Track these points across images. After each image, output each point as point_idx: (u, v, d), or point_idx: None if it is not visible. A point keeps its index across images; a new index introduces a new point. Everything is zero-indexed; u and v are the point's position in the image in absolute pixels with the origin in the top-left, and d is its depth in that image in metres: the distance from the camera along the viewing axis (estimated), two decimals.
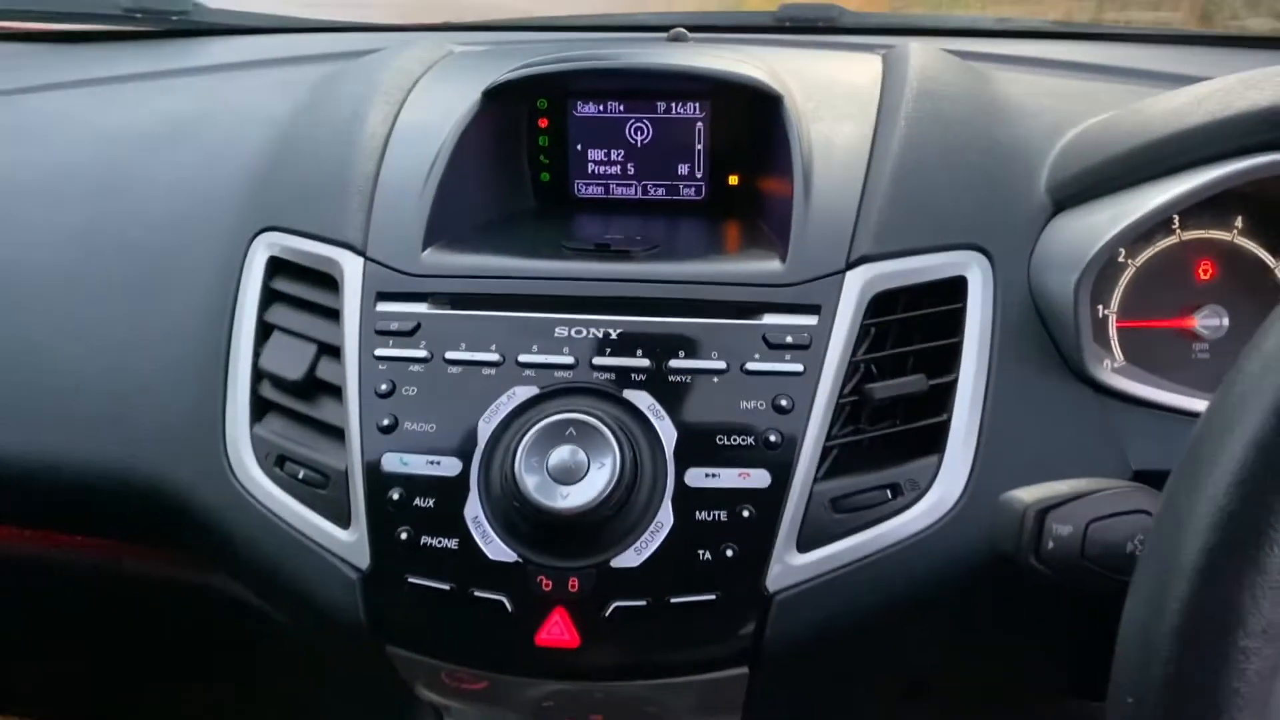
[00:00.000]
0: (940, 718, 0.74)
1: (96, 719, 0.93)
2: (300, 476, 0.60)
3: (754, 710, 0.60)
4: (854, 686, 0.63)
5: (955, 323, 0.59)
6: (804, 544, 0.55)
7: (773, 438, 0.55)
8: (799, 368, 0.57)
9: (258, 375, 0.63)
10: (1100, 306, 0.61)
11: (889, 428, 0.58)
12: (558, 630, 0.54)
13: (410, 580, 0.55)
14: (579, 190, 0.72)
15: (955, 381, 0.58)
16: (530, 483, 0.53)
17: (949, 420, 0.57)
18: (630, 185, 0.72)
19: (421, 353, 0.59)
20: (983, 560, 0.56)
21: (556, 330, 0.58)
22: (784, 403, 0.56)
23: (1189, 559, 0.33)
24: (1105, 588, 0.45)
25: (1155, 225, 0.59)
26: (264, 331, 0.64)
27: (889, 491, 0.56)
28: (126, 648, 0.80)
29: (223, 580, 0.67)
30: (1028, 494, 0.47)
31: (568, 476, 0.54)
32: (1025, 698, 0.73)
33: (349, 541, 0.57)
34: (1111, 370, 0.60)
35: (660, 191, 0.71)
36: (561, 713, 0.64)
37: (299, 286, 0.64)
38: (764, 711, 0.61)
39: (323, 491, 0.59)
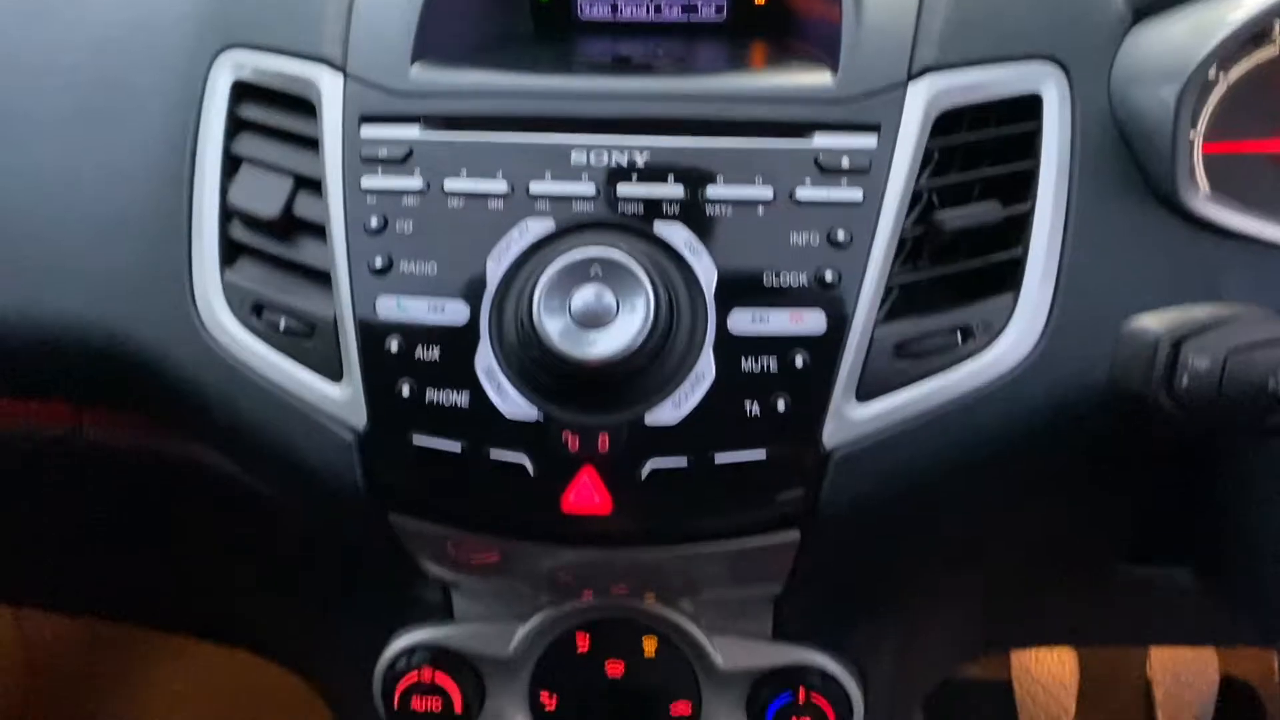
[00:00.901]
0: (991, 588, 0.68)
1: (76, 606, 0.87)
2: (281, 326, 0.52)
3: (799, 580, 0.54)
4: (908, 552, 0.57)
5: (1030, 145, 0.52)
6: (864, 394, 0.48)
7: (828, 276, 0.48)
8: (857, 195, 0.49)
9: (227, 214, 0.55)
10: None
11: (958, 264, 0.50)
12: (586, 493, 0.47)
13: (415, 440, 0.48)
14: (583, 10, 0.63)
15: (1032, 211, 0.51)
16: (553, 329, 0.46)
17: (1025, 254, 0.50)
18: (641, 3, 0.63)
19: (416, 182, 0.51)
20: (1062, 410, 0.49)
21: (574, 154, 0.50)
22: (840, 236, 0.49)
23: None
24: (1235, 430, 0.38)
25: (1254, 33, 0.51)
26: (232, 165, 0.55)
27: (959, 335, 0.49)
28: (99, 529, 0.73)
29: (201, 450, 0.60)
30: (1157, 320, 0.40)
31: (595, 321, 0.46)
32: (1080, 565, 0.68)
33: (341, 398, 0.50)
34: (1202, 198, 0.52)
35: (676, 10, 0.62)
36: (581, 586, 0.58)
37: (270, 113, 0.55)
38: (809, 581, 0.55)
39: (308, 342, 0.51)
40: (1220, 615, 0.77)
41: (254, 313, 0.53)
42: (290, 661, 0.78)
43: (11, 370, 0.59)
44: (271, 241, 0.54)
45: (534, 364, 0.47)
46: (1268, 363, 0.38)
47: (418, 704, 0.60)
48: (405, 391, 0.49)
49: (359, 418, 0.50)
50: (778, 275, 0.48)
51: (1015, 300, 0.50)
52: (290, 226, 0.53)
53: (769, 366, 0.48)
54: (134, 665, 1.35)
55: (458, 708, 0.60)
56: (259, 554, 0.68)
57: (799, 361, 0.48)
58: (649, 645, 0.60)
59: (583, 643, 0.60)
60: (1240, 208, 0.53)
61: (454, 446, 0.48)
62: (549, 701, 0.61)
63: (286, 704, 1.28)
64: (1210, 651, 1.13)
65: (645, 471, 0.47)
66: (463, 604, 0.61)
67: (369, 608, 0.64)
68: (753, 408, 0.47)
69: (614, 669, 0.60)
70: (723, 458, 0.47)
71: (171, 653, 1.35)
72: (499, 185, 0.50)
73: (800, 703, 0.59)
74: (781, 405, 0.47)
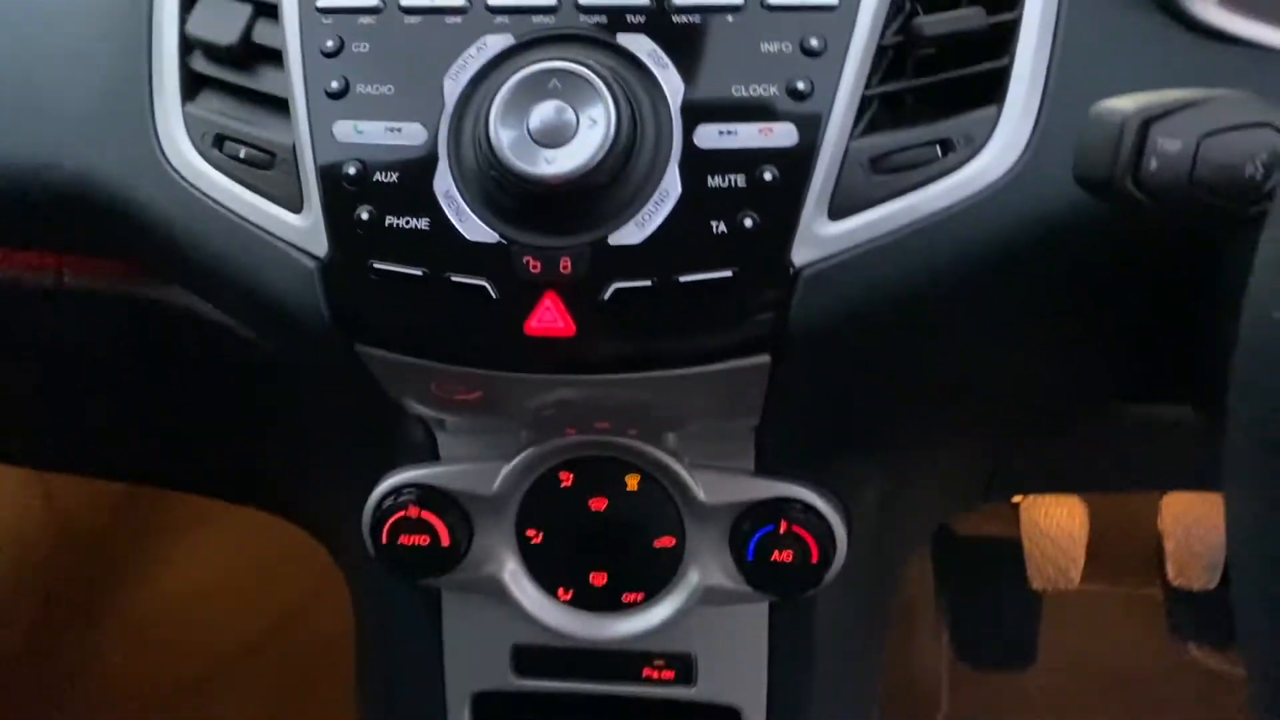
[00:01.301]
0: (981, 429, 0.67)
1: (78, 466, 0.88)
2: (242, 156, 0.51)
3: (775, 410, 0.53)
4: (887, 382, 0.56)
5: None
6: (837, 211, 0.47)
7: (800, 86, 0.46)
8: (832, 0, 0.47)
9: (186, 45, 0.53)
10: None
11: (939, 74, 0.48)
12: (550, 317, 0.46)
13: (376, 266, 0.47)
14: None
15: (1019, 18, 0.48)
16: (510, 147, 0.45)
17: (1011, 64, 0.48)
18: None
19: (372, 1, 0.49)
20: (1046, 227, 0.47)
21: None
22: (814, 43, 0.46)
23: None
24: (1210, 219, 0.36)
25: None
26: None
27: (938, 148, 0.47)
28: (93, 384, 0.74)
29: (179, 294, 0.60)
30: (1127, 102, 0.38)
31: (553, 138, 0.45)
32: (1077, 404, 0.67)
33: (303, 227, 0.49)
34: (1208, 3, 0.49)
35: None
36: (563, 421, 0.57)
37: None
38: (786, 411, 0.54)
39: (269, 172, 0.50)
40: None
41: (216, 145, 0.52)
42: (291, 514, 0.79)
43: None
44: (231, 71, 0.52)
45: (493, 185, 0.46)
46: (1245, 146, 0.35)
47: (405, 540, 0.60)
48: (365, 216, 0.47)
49: (320, 245, 0.49)
50: (747, 86, 0.46)
51: (999, 112, 0.48)
52: (249, 55, 0.52)
53: (736, 182, 0.46)
54: (159, 532, 1.39)
55: (445, 543, 0.60)
56: (246, 401, 0.69)
57: (768, 176, 0.46)
58: (631, 481, 0.60)
59: (566, 480, 0.60)
60: (1248, 11, 0.50)
61: (415, 271, 0.47)
62: (535, 537, 0.61)
63: (310, 566, 1.32)
64: (1221, 503, 1.12)
65: (608, 293, 0.46)
66: (448, 445, 0.61)
67: (356, 451, 0.64)
68: (719, 226, 0.46)
69: (598, 505, 0.60)
70: (688, 278, 0.46)
71: (197, 519, 1.39)
72: (456, 1, 0.48)
73: (781, 533, 0.58)
74: (749, 223, 0.46)
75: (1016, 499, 1.19)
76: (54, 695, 1.25)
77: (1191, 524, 1.11)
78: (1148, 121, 0.36)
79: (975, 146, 0.47)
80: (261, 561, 1.34)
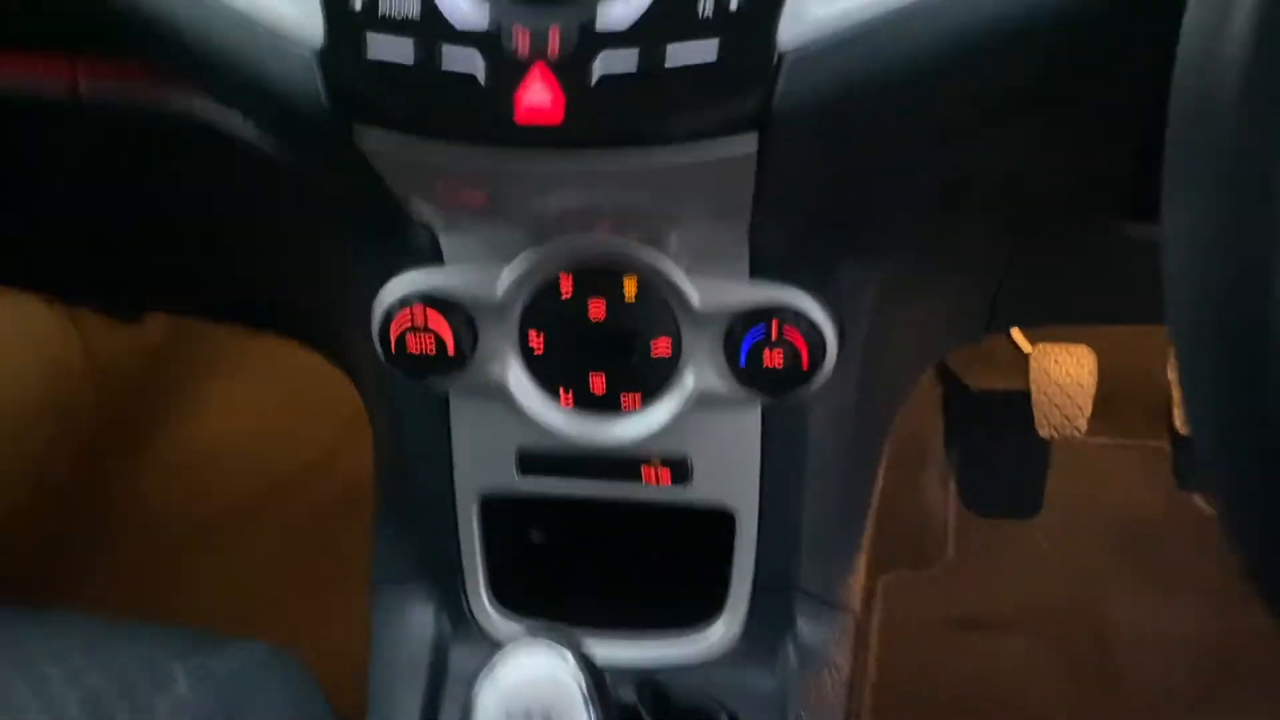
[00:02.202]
0: (980, 247, 0.68)
1: (87, 288, 0.91)
2: None
3: (767, 204, 0.54)
4: (879, 177, 0.57)
5: None
6: None
7: None
8: None
9: None
10: None
11: None
12: (539, 95, 0.48)
13: (370, 54, 0.49)
14: None
15: None
16: None
17: None
18: None
19: None
20: (1045, 7, 0.47)
21: None
22: None
23: None
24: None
25: None
26: None
27: None
28: (111, 203, 0.76)
29: (189, 100, 0.62)
30: None
31: None
32: (1079, 219, 0.67)
33: (300, 15, 0.50)
34: None
35: None
36: (566, 224, 0.59)
37: None
38: (778, 206, 0.55)
39: None
40: None
41: None
42: (307, 332, 0.82)
43: None
44: None
45: None
46: None
47: (413, 344, 0.63)
48: (358, 5, 0.48)
49: (317, 35, 0.50)
50: None
51: None
52: None
53: None
54: (193, 379, 1.44)
55: (450, 349, 0.62)
56: (259, 217, 0.71)
57: None
58: (629, 287, 0.62)
59: (566, 285, 0.62)
60: None
61: (406, 60, 0.48)
62: (537, 342, 0.64)
63: (341, 410, 1.36)
64: None
65: (595, 79, 0.47)
66: (451, 249, 0.63)
67: (362, 255, 0.66)
68: (705, 6, 0.46)
69: (596, 309, 0.62)
70: (673, 60, 0.47)
71: (231, 367, 1.44)
72: None
73: (773, 338, 0.60)
74: (734, 4, 0.46)
75: (1027, 349, 1.20)
76: (95, 525, 1.32)
77: None
78: None
79: None
80: (293, 406, 1.38)
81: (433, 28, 0.48)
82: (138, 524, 1.34)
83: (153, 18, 0.55)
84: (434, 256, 0.63)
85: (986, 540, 1.25)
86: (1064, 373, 1.13)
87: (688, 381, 0.64)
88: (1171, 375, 1.14)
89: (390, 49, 0.48)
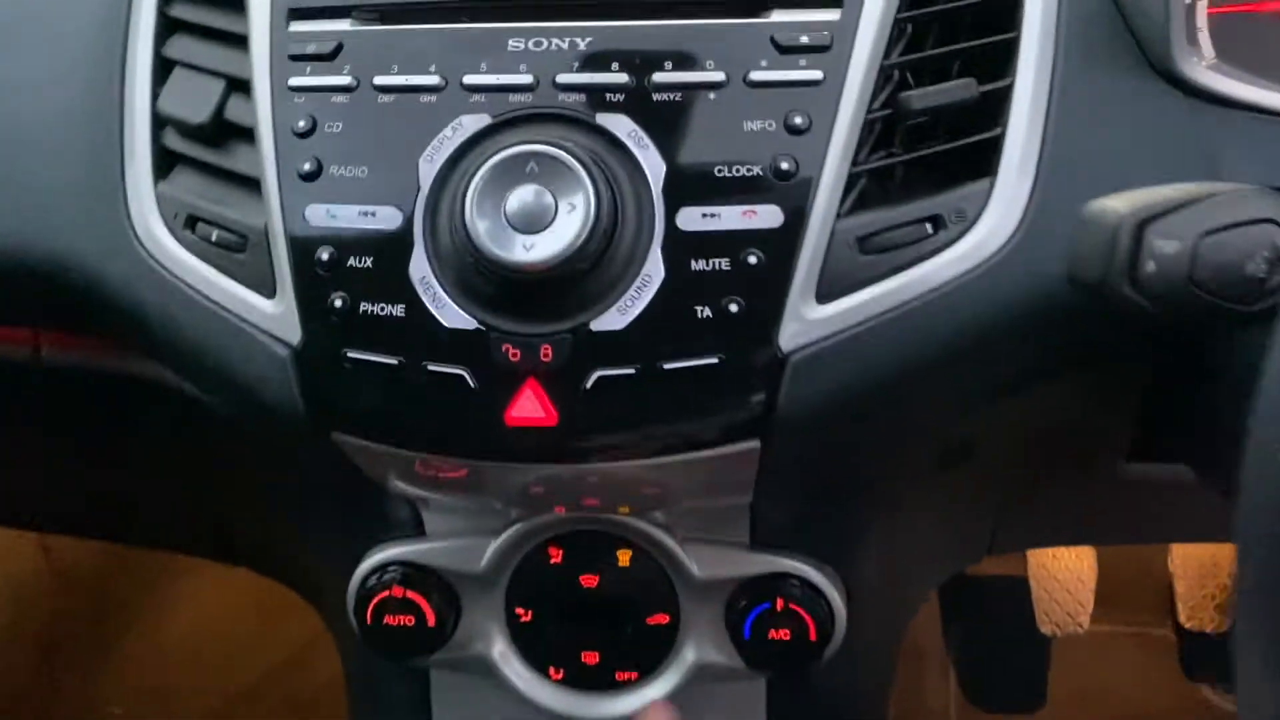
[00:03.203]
0: (983, 490, 0.66)
1: (67, 528, 0.87)
2: (214, 239, 0.50)
3: (768, 488, 0.52)
4: (884, 457, 0.54)
5: (1011, 14, 0.47)
6: (825, 294, 0.45)
7: (785, 165, 0.45)
8: (817, 75, 0.45)
9: (159, 122, 0.52)
10: None
11: (929, 148, 0.47)
12: (530, 406, 0.45)
13: (350, 355, 0.46)
14: None
15: (1011, 86, 0.47)
16: (487, 233, 0.43)
17: (1004, 135, 0.46)
18: None
19: (345, 79, 0.47)
20: (1043, 302, 0.46)
21: (511, 43, 0.47)
22: (798, 120, 0.45)
23: None
24: (1212, 319, 0.35)
25: None
26: (164, 69, 0.53)
27: (929, 225, 0.46)
28: (75, 452, 0.72)
29: (156, 369, 0.59)
30: (1121, 202, 0.36)
31: (531, 224, 0.43)
32: (1079, 464, 0.65)
33: (276, 313, 0.48)
34: (1203, 66, 0.48)
35: None
36: (551, 499, 0.56)
37: (200, 11, 0.52)
38: (779, 489, 0.52)
39: (241, 255, 0.49)
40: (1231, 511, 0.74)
41: (188, 226, 0.51)
42: (283, 578, 0.78)
43: None
44: (204, 149, 0.51)
45: (470, 271, 0.45)
46: (1244, 245, 0.34)
47: (391, 620, 0.59)
48: (338, 304, 0.46)
49: (293, 333, 0.47)
50: (730, 167, 0.45)
51: (992, 185, 0.46)
52: (222, 132, 0.51)
53: (721, 266, 0.44)
54: (158, 577, 1.38)
55: (431, 623, 0.59)
56: (232, 472, 0.67)
57: (753, 260, 0.44)
58: (623, 557, 0.58)
59: (556, 556, 0.59)
60: (1246, 76, 0.48)
61: (390, 360, 0.46)
62: (525, 615, 0.60)
63: (311, 610, 1.31)
64: (1231, 549, 1.10)
65: (590, 381, 0.45)
66: (433, 521, 0.60)
67: (340, 524, 0.62)
68: (704, 312, 0.44)
69: (589, 581, 0.59)
70: (672, 365, 0.44)
71: (196, 566, 1.38)
72: (432, 79, 0.47)
73: (778, 611, 0.57)
74: (734, 308, 0.44)
75: None
76: None
77: (1201, 566, 1.09)
78: (1143, 223, 0.34)
79: (967, 222, 0.46)
80: (262, 605, 1.32)
81: (419, 330, 0.45)
82: None
83: (119, 304, 0.52)
84: (415, 528, 0.60)
85: None
86: (1063, 568, 1.10)
87: (687, 656, 0.60)
88: (1172, 568, 1.11)
89: (373, 350, 0.46)
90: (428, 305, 0.45)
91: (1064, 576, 1.10)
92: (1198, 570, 1.09)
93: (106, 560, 1.34)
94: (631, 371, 0.44)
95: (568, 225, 0.43)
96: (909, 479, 0.59)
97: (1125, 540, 0.80)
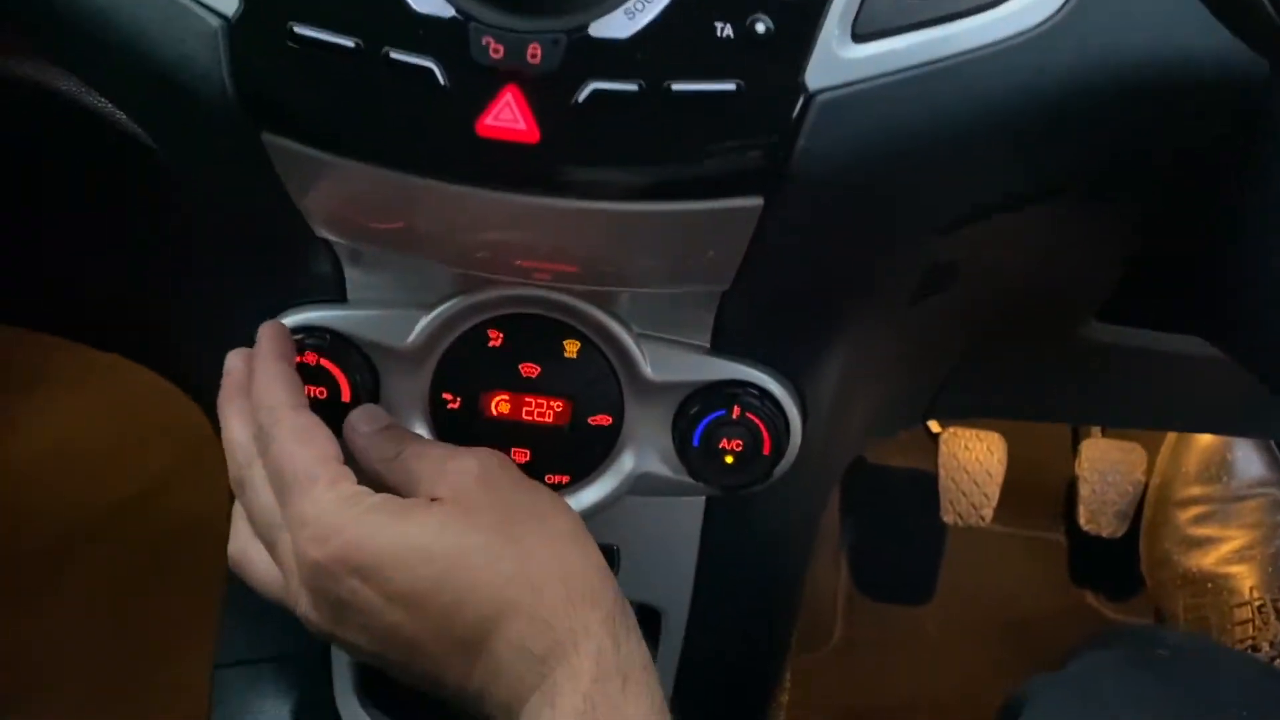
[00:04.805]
0: (945, 338, 0.62)
1: None
2: None
3: (751, 274, 0.46)
4: (876, 254, 0.49)
5: None
6: (861, 31, 0.39)
7: None
8: None
9: None
10: None
11: None
12: (508, 116, 0.38)
13: (297, 30, 0.38)
14: None
15: None
16: None
17: None
18: None
19: None
20: (1085, 85, 0.41)
21: None
22: None
23: None
24: None
25: None
26: None
27: None
28: None
29: (54, 74, 0.50)
30: None
31: None
32: (1048, 315, 0.62)
33: None
34: None
35: None
36: (500, 266, 0.49)
37: None
38: (762, 277, 0.47)
39: None
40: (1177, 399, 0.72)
41: None
42: (164, 361, 0.70)
43: None
44: None
45: None
46: None
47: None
48: None
49: (229, 1, 0.39)
50: None
51: None
52: None
53: None
54: (11, 388, 1.26)
55: (345, 397, 0.52)
56: (123, 216, 0.58)
57: None
58: (570, 347, 0.52)
59: (495, 338, 0.52)
60: None
61: (346, 41, 0.38)
62: (452, 402, 0.54)
63: (179, 437, 1.21)
64: (1140, 454, 1.11)
65: (584, 94, 0.38)
66: (358, 283, 0.53)
67: (247, 281, 0.55)
68: (725, 28, 0.38)
69: (529, 370, 0.53)
70: (682, 86, 0.38)
71: (52, 377, 1.27)
72: None
73: (734, 419, 0.52)
74: (761, 28, 0.38)
75: (936, 430, 1.16)
76: None
77: (1108, 470, 1.09)
78: None
79: None
80: (124, 425, 1.22)
81: (384, 8, 0.38)
82: None
83: None
84: (336, 289, 0.53)
85: (875, 625, 1.20)
86: (974, 459, 1.09)
87: (625, 463, 0.54)
88: (1079, 470, 1.11)
89: (326, 26, 0.38)
90: None
91: (973, 468, 1.09)
92: (1102, 474, 1.09)
93: None
94: (633, 89, 0.38)
95: None
96: (884, 304, 0.55)
97: (1072, 418, 0.78)
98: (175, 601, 1.11)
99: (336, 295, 0.53)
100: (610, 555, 0.58)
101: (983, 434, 1.12)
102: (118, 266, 0.63)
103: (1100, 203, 0.49)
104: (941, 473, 1.11)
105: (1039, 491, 1.21)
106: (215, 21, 0.39)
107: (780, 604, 0.67)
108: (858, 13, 0.39)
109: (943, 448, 1.12)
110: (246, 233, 0.52)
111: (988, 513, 1.09)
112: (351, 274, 0.52)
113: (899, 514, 1.20)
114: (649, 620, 0.60)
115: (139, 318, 0.66)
